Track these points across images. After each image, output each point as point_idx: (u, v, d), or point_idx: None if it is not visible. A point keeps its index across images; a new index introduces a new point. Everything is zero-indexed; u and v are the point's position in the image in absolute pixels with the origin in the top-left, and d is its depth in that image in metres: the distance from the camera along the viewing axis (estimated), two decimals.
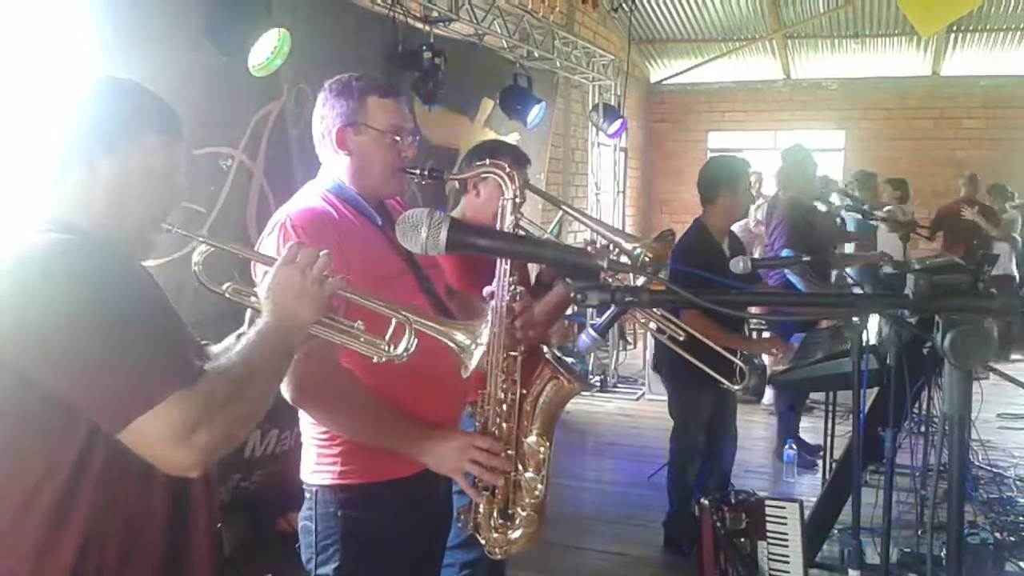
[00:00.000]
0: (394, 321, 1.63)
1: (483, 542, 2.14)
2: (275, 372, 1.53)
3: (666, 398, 4.36)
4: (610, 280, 1.63)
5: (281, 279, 1.55)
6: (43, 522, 1.35)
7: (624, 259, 2.67)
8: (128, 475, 1.40)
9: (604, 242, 2.61)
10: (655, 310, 3.30)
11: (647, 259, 2.50)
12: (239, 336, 1.72)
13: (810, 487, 5.22)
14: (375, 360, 1.65)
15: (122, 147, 1.49)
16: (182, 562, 1.52)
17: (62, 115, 1.50)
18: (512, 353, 2.03)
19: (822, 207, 5.95)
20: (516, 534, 2.11)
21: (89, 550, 1.38)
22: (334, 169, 2.12)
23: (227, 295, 1.67)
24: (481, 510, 2.11)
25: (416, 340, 1.62)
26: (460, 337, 1.70)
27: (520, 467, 2.11)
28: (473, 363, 1.71)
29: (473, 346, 1.69)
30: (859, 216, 6.91)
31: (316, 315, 1.58)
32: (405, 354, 1.62)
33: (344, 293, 1.63)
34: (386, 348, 1.63)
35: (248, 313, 1.72)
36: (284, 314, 1.53)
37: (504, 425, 2.10)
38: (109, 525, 1.40)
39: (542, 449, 2.11)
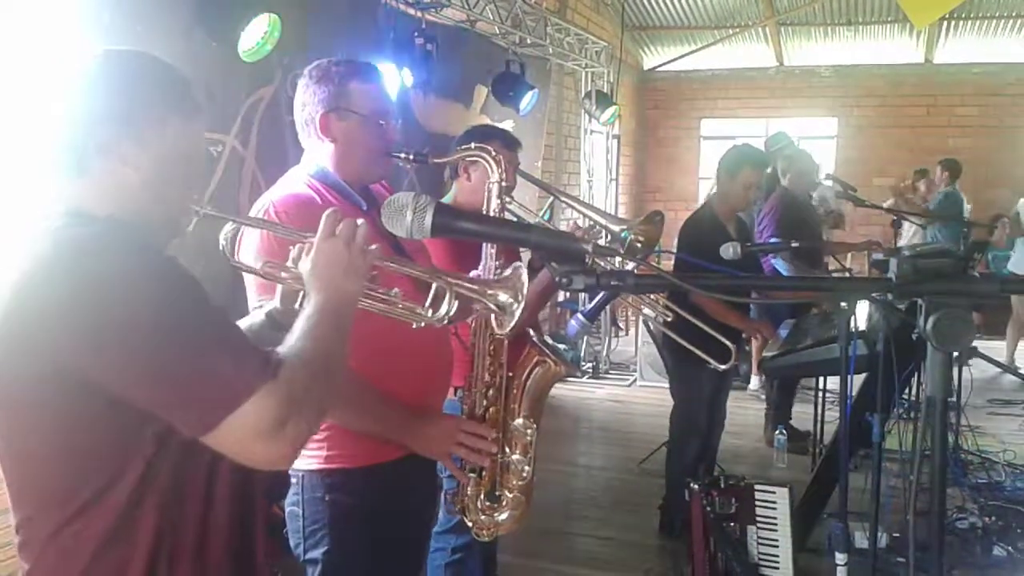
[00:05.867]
0: (434, 285, 1.58)
1: (470, 524, 2.15)
2: (340, 352, 1.43)
3: (657, 385, 4.38)
4: (596, 264, 1.63)
5: (327, 254, 1.46)
6: (103, 533, 1.30)
7: (614, 243, 2.67)
8: (195, 478, 1.36)
9: (590, 223, 2.61)
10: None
11: (638, 242, 2.49)
12: (267, 314, 1.69)
13: (800, 472, 5.24)
14: (414, 326, 1.60)
15: (151, 133, 1.37)
16: (246, 553, 1.48)
17: (72, 99, 1.36)
18: (498, 336, 2.04)
19: (814, 199, 5.95)
20: (503, 516, 2.12)
21: (159, 560, 1.33)
22: (318, 155, 2.11)
23: (261, 273, 1.64)
24: (469, 492, 2.12)
25: (457, 303, 1.57)
26: (503, 298, 1.61)
27: (507, 449, 2.13)
28: (512, 324, 1.63)
29: (515, 306, 1.61)
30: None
31: (362, 288, 1.51)
32: (446, 318, 1.57)
33: (383, 263, 1.57)
34: (426, 313, 1.57)
35: (278, 289, 1.68)
36: (335, 291, 1.44)
37: (491, 408, 2.11)
38: (176, 531, 1.35)
39: (529, 431, 2.13)
